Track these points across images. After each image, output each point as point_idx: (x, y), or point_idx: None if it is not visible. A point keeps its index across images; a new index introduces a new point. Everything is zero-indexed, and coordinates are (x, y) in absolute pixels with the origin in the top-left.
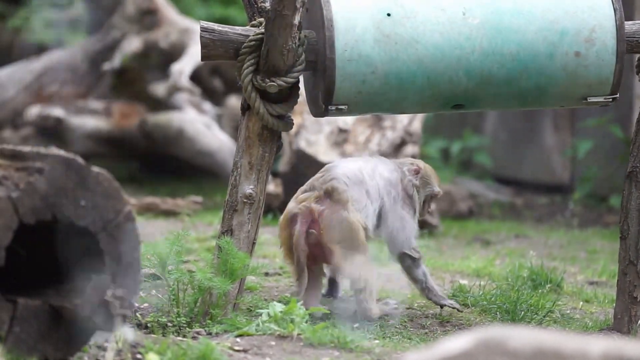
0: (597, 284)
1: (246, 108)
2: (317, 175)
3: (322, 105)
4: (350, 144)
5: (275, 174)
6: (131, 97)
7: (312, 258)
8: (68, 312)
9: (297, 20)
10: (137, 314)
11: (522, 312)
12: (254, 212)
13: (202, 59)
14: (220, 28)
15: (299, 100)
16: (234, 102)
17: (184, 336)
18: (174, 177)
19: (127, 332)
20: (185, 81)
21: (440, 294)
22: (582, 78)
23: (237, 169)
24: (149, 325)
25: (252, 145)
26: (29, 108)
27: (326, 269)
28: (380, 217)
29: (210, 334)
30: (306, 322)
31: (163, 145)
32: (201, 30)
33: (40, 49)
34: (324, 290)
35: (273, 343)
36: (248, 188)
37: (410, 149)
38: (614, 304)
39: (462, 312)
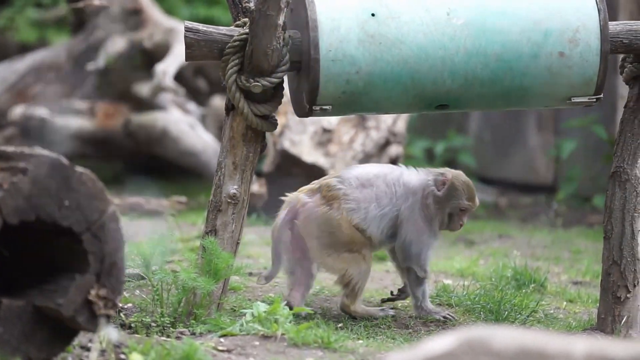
0: (581, 284)
1: (230, 108)
2: (332, 172)
3: (307, 106)
4: (334, 144)
5: (259, 174)
6: (115, 97)
7: (300, 251)
8: (52, 312)
9: (281, 20)
10: (121, 314)
11: (506, 312)
12: (237, 212)
13: (186, 59)
14: (204, 28)
15: (283, 100)
16: (218, 102)
17: (168, 336)
18: (158, 177)
19: (110, 332)
20: (169, 81)
21: (433, 311)
22: (566, 78)
23: (221, 169)
24: (132, 325)
25: (236, 146)
26: (12, 108)
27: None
28: (395, 224)
29: (194, 334)
30: (290, 322)
31: (147, 145)
32: (185, 31)
33: (24, 49)
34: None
35: (257, 343)
36: (232, 188)
37: (394, 149)
38: (598, 304)
39: (458, 320)
